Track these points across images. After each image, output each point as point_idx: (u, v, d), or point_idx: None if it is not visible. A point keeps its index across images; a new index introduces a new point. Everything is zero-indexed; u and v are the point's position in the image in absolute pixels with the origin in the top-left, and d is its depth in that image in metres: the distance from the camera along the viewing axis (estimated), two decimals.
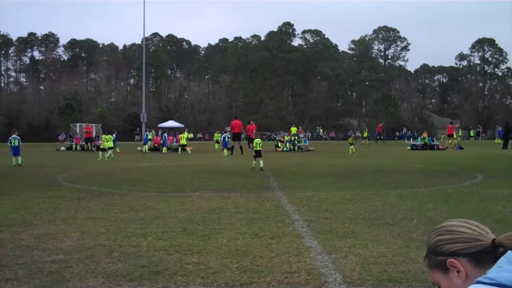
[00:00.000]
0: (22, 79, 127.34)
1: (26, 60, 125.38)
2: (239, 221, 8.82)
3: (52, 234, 7.84)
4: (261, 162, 20.38)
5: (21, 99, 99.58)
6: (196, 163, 24.38)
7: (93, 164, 25.22)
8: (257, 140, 21.58)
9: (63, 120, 76.97)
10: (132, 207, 10.53)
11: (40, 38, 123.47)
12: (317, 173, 18.84)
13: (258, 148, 21.11)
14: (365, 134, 58.12)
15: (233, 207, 10.48)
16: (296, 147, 38.52)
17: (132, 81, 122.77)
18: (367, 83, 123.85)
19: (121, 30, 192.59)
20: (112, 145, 30.69)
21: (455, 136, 44.55)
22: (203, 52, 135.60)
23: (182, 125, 68.25)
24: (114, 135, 34.59)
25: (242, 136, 38.87)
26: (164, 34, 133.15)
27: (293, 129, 49.32)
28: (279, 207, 10.51)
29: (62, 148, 45.24)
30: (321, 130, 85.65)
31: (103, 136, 29.54)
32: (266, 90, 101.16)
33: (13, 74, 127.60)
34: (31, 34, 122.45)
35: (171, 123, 72.19)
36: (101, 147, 29.33)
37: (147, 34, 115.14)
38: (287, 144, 39.15)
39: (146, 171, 20.39)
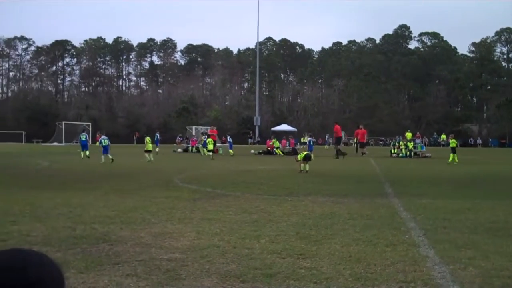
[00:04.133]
0: (142, 83, 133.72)
1: (146, 65, 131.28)
2: (353, 227, 8.67)
3: (169, 233, 8.11)
4: (308, 166, 20.99)
5: (141, 102, 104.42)
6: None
7: (208, 166, 25.93)
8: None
9: (180, 122, 79.79)
10: (245, 209, 10.66)
11: (158, 43, 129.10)
12: (434, 180, 18.17)
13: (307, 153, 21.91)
14: None
15: (346, 212, 10.32)
16: (412, 153, 37.39)
17: (246, 85, 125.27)
18: (488, 87, 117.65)
19: (236, 35, 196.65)
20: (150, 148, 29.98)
21: None
22: (316, 56, 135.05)
23: (295, 129, 68.64)
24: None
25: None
26: (277, 38, 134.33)
27: (408, 135, 47.72)
28: (394, 214, 10.23)
29: (179, 150, 46.77)
30: (443, 137, 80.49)
31: (147, 138, 30.40)
32: (381, 94, 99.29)
33: (134, 78, 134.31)
34: (150, 40, 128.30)
35: (284, 127, 72.76)
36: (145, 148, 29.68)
37: (261, 39, 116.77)
38: (403, 150, 38.11)
39: (259, 174, 20.62)
